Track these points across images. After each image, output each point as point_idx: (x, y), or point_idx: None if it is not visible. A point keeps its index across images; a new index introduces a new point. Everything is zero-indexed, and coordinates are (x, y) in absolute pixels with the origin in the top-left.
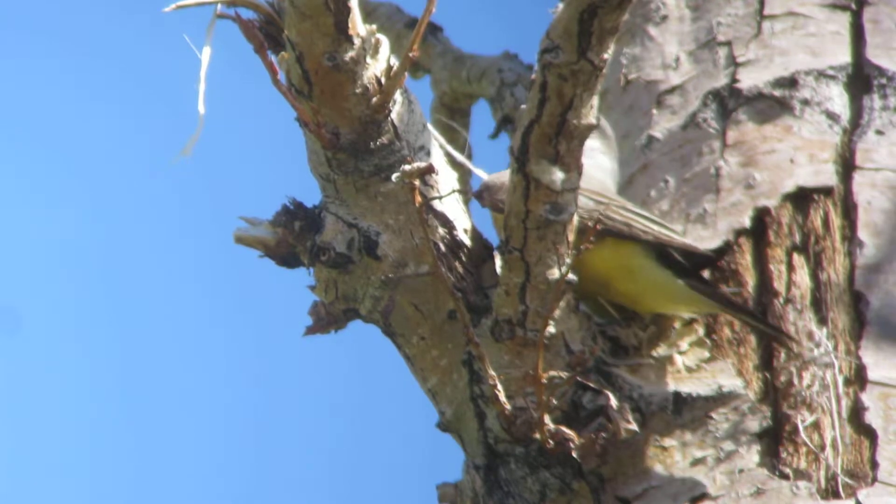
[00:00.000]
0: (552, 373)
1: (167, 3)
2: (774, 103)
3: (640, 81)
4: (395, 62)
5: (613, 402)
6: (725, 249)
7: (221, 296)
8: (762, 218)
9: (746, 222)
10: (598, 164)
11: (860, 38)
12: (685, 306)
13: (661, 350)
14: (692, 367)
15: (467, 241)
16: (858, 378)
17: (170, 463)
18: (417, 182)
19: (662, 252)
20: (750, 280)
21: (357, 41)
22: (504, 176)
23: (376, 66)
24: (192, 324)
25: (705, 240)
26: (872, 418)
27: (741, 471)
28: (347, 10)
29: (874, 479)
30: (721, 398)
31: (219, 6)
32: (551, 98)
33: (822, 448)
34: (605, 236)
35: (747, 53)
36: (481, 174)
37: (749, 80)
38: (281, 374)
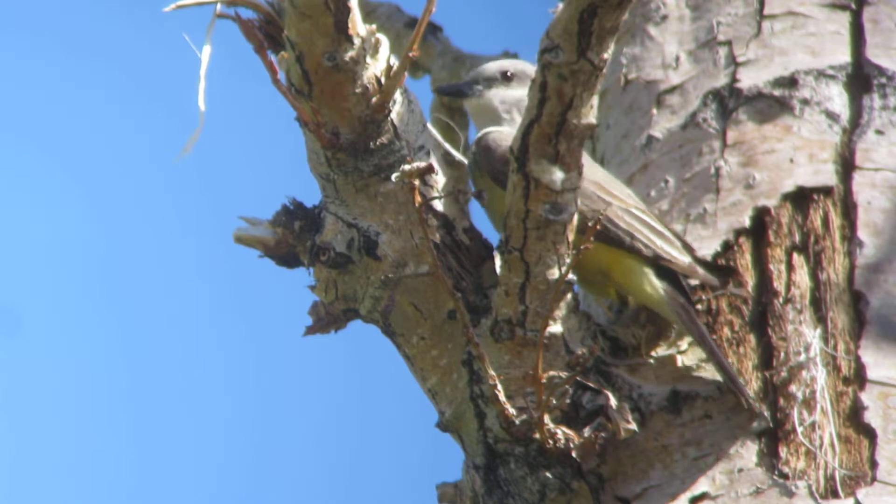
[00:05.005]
0: (552, 373)
1: (167, 3)
2: (774, 103)
3: (640, 81)
4: (395, 62)
5: (613, 401)
6: (731, 272)
7: (221, 296)
8: (762, 218)
9: (746, 222)
10: None
11: (860, 38)
12: (667, 316)
13: (660, 350)
14: (692, 366)
15: (467, 240)
16: (858, 377)
17: (170, 462)
18: (417, 182)
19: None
20: (750, 280)
21: (357, 41)
22: (501, 138)
23: (376, 66)
24: (192, 324)
25: (705, 239)
26: (872, 418)
27: (740, 470)
28: (347, 10)
29: (873, 479)
30: (721, 398)
31: (219, 6)
32: (551, 98)
33: (821, 447)
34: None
35: (747, 53)
36: None
37: (749, 79)
38: (281, 374)
